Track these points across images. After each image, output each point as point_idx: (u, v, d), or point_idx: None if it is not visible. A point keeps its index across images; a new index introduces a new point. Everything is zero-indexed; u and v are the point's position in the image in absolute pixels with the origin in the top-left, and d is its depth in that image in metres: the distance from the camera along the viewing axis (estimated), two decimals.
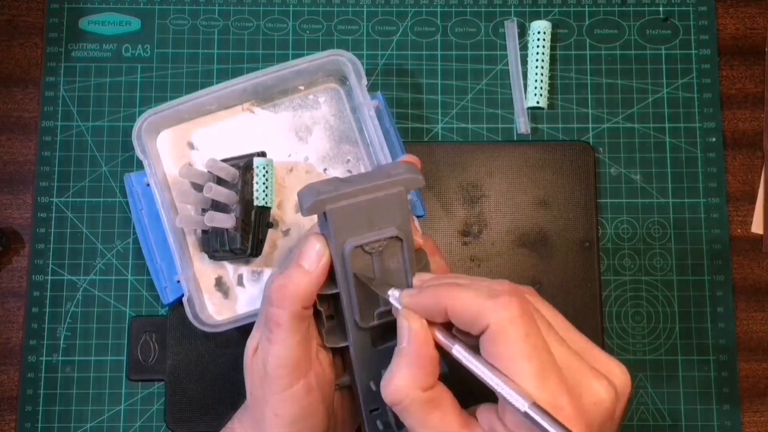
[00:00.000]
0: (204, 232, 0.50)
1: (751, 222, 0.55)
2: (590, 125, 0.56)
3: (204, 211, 0.49)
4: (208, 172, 0.49)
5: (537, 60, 0.56)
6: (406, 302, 0.36)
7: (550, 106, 0.56)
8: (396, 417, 0.40)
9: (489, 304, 0.32)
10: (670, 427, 0.53)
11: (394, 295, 0.36)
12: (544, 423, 0.30)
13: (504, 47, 0.57)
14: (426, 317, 0.35)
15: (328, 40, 0.57)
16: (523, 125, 0.55)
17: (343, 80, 0.53)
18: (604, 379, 0.33)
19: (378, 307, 0.39)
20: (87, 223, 0.54)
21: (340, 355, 0.42)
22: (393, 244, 0.38)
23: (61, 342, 0.53)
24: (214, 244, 0.48)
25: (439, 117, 0.56)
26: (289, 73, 0.50)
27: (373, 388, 0.40)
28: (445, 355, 0.35)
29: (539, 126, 0.56)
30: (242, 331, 0.49)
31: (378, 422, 0.41)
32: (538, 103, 0.55)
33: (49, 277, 0.54)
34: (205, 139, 0.52)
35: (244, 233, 0.48)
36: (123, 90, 0.56)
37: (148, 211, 0.50)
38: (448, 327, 0.35)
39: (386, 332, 0.40)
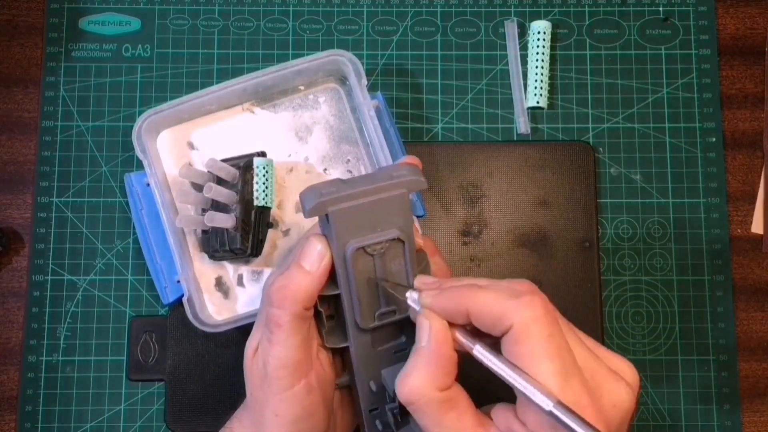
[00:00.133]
0: (204, 232, 0.50)
1: (751, 222, 0.55)
2: (590, 125, 0.56)
3: (204, 211, 0.49)
4: (208, 172, 0.49)
5: (537, 60, 0.56)
6: (427, 303, 0.35)
7: (550, 106, 0.56)
8: (395, 417, 0.40)
9: (512, 304, 0.32)
10: (670, 427, 0.53)
11: (412, 296, 0.36)
12: (570, 422, 0.30)
13: (504, 47, 0.57)
14: (446, 318, 0.35)
15: (328, 40, 0.57)
16: (523, 125, 0.55)
17: (343, 80, 0.53)
18: (622, 380, 0.33)
19: (379, 308, 0.39)
20: (87, 223, 0.54)
21: (340, 354, 0.42)
22: (395, 245, 0.38)
23: (61, 342, 0.53)
24: (214, 244, 0.48)
25: (439, 117, 0.56)
26: (289, 73, 0.50)
27: (373, 388, 0.40)
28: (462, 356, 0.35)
29: (539, 126, 0.56)
30: (242, 331, 0.49)
31: (377, 422, 0.41)
32: (538, 103, 0.55)
33: (49, 277, 0.54)
34: (205, 139, 0.52)
35: (244, 233, 0.48)
36: (123, 90, 0.56)
37: (148, 211, 0.50)
38: (467, 330, 0.35)
39: (386, 333, 0.40)
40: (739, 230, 0.55)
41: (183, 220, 0.48)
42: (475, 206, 0.54)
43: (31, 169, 0.55)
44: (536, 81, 0.55)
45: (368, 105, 0.50)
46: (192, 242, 0.50)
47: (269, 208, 0.49)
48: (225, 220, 0.47)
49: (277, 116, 0.52)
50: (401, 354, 0.40)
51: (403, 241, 0.38)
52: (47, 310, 0.53)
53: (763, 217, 0.55)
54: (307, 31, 0.57)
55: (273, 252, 0.51)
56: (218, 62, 0.56)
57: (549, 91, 0.56)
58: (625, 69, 0.57)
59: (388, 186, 0.37)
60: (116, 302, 0.53)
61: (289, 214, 0.51)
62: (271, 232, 0.51)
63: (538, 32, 0.56)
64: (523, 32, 0.57)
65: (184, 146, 0.52)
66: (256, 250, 0.49)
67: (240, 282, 0.51)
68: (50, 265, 0.54)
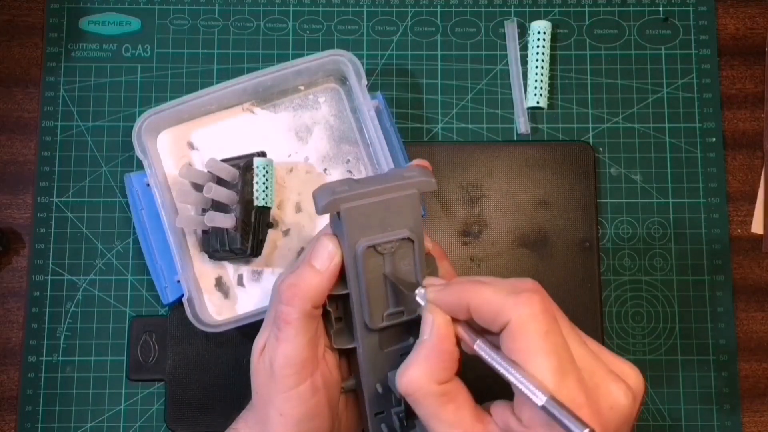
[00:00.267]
0: (204, 232, 0.50)
1: (751, 222, 0.55)
2: (590, 125, 0.56)
3: (204, 211, 0.49)
4: (208, 172, 0.49)
5: (537, 60, 0.56)
6: (431, 297, 0.36)
7: (550, 106, 0.56)
8: (401, 421, 0.40)
9: (510, 300, 0.33)
10: (670, 427, 0.53)
11: (420, 293, 0.37)
12: (562, 417, 0.30)
13: (504, 47, 0.57)
14: (449, 313, 0.35)
15: (328, 40, 0.57)
16: (523, 125, 0.55)
17: (343, 80, 0.53)
18: (622, 383, 0.33)
19: (387, 309, 0.39)
20: (87, 223, 0.54)
21: (346, 358, 0.42)
22: (404, 245, 0.38)
23: (61, 342, 0.53)
24: (214, 244, 0.48)
25: (439, 117, 0.56)
26: (289, 73, 0.51)
27: (380, 390, 0.40)
28: (464, 353, 0.35)
29: (539, 126, 0.56)
30: (242, 331, 0.49)
31: (383, 426, 0.41)
32: (538, 103, 0.55)
33: (49, 277, 0.54)
34: (205, 139, 0.52)
35: (244, 233, 0.48)
36: (123, 90, 0.56)
37: (148, 211, 0.50)
38: (470, 327, 0.35)
39: (394, 335, 0.40)
40: (739, 230, 0.55)
41: (183, 220, 0.48)
42: (475, 206, 0.54)
43: (31, 169, 0.55)
44: (536, 81, 0.55)
45: (368, 105, 0.50)
46: (192, 242, 0.50)
47: (269, 208, 0.49)
48: (225, 220, 0.47)
49: (277, 116, 0.53)
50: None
51: (413, 241, 0.38)
52: (47, 310, 0.53)
53: (763, 217, 0.55)
54: (307, 31, 0.57)
55: (273, 252, 0.51)
56: (218, 62, 0.56)
57: (549, 91, 0.56)
58: (625, 69, 0.57)
59: (399, 186, 0.38)
60: (116, 302, 0.53)
61: (289, 214, 0.51)
62: (271, 232, 0.51)
63: (538, 32, 0.56)
64: (523, 32, 0.57)
65: (184, 146, 0.52)
66: (256, 250, 0.49)
67: (240, 282, 0.51)
68: (50, 265, 0.54)
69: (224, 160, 0.49)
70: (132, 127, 0.49)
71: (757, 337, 0.54)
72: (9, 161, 0.55)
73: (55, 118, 0.55)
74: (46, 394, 0.52)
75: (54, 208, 0.54)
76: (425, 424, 0.35)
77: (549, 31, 0.56)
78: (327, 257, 0.38)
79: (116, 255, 0.54)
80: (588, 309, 0.53)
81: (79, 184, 0.55)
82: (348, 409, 0.43)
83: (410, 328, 0.40)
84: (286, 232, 0.51)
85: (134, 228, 0.52)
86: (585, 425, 0.30)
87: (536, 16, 0.57)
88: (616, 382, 0.33)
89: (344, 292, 0.39)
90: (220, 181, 0.49)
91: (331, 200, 0.37)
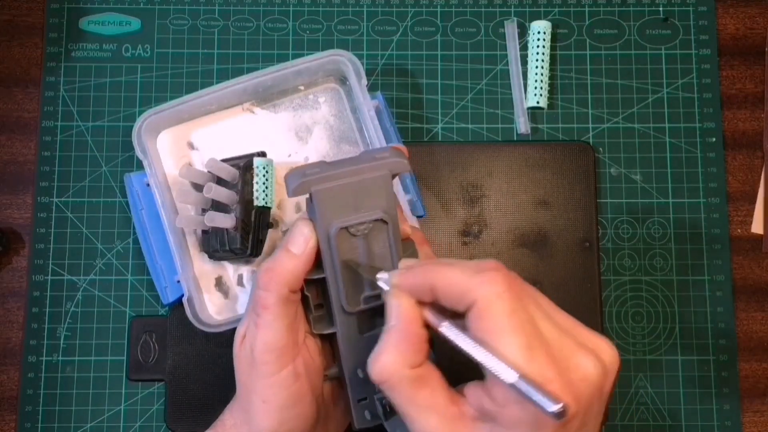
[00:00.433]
0: (204, 232, 0.50)
1: (751, 222, 0.55)
2: (590, 125, 0.56)
3: (204, 211, 0.49)
4: (208, 172, 0.49)
5: (537, 60, 0.56)
6: (395, 281, 0.36)
7: (550, 106, 0.56)
8: (384, 407, 0.40)
9: (475, 280, 0.33)
10: (670, 427, 0.53)
11: (383, 277, 0.37)
12: (532, 394, 0.30)
13: (504, 47, 0.57)
14: (415, 297, 0.35)
15: (328, 40, 0.57)
16: (523, 125, 0.55)
17: (343, 80, 0.53)
18: (591, 354, 0.33)
19: (364, 292, 0.39)
20: (87, 223, 0.54)
21: (330, 345, 0.42)
22: (379, 227, 0.38)
23: (61, 342, 0.53)
24: (214, 244, 0.48)
25: (439, 117, 0.56)
26: (289, 73, 0.51)
27: (360, 375, 0.40)
28: (433, 337, 0.35)
29: (539, 126, 0.56)
30: None
31: (366, 412, 0.41)
32: (538, 103, 0.55)
33: (49, 277, 0.54)
34: (205, 139, 0.52)
35: (244, 233, 0.48)
36: (123, 90, 0.56)
37: (148, 211, 0.50)
38: (436, 309, 0.35)
39: (372, 319, 0.40)
40: (739, 230, 0.55)
41: (183, 220, 0.48)
42: (475, 206, 0.54)
43: (31, 169, 0.55)
44: (536, 81, 0.55)
45: (368, 105, 0.50)
46: (192, 242, 0.50)
47: (269, 208, 0.49)
48: (225, 220, 0.47)
49: (277, 116, 0.53)
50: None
51: (386, 223, 0.38)
52: (47, 310, 0.53)
53: (763, 217, 0.55)
54: (307, 31, 0.57)
55: (272, 252, 0.51)
56: (218, 62, 0.56)
57: (549, 91, 0.56)
58: (625, 69, 0.57)
59: (371, 167, 0.38)
60: (116, 302, 0.53)
61: (289, 214, 0.51)
62: (271, 232, 0.51)
63: (538, 32, 0.56)
64: (523, 32, 0.57)
65: (184, 146, 0.52)
66: (256, 250, 0.49)
67: (240, 282, 0.51)
68: (50, 265, 0.54)
69: (224, 160, 0.49)
70: (132, 127, 0.49)
71: (757, 337, 0.54)
72: (9, 161, 0.55)
73: (55, 118, 0.55)
74: (46, 394, 0.52)
75: (54, 208, 0.54)
76: (401, 410, 0.35)
77: (549, 31, 0.56)
78: (302, 241, 0.38)
79: (116, 255, 0.54)
80: (588, 309, 0.53)
81: (79, 184, 0.55)
82: (335, 399, 0.43)
83: None
84: (286, 232, 0.51)
85: (134, 228, 0.52)
86: (556, 400, 0.30)
87: (536, 16, 0.57)
88: (586, 355, 0.33)
89: (321, 276, 0.39)
90: (220, 181, 0.49)
91: (301, 182, 0.37)
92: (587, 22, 0.57)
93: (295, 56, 0.55)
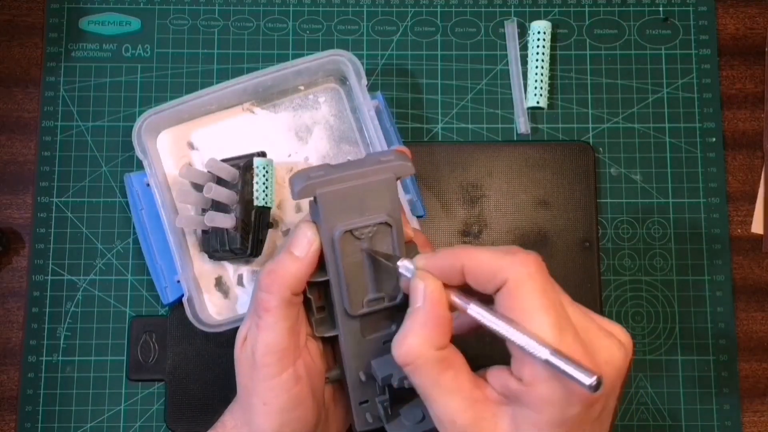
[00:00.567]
0: (204, 232, 0.50)
1: (751, 222, 0.55)
2: (590, 125, 0.56)
3: (204, 211, 0.49)
4: (208, 172, 0.49)
5: (537, 60, 0.56)
6: (421, 264, 0.36)
7: (550, 106, 0.56)
8: (385, 410, 0.40)
9: (507, 260, 0.33)
10: (670, 427, 0.53)
11: (404, 265, 0.36)
12: (566, 368, 0.30)
13: (504, 47, 0.57)
14: (441, 280, 0.35)
15: (328, 40, 0.57)
16: (523, 125, 0.55)
17: (343, 80, 0.53)
18: (614, 338, 0.34)
19: (367, 295, 0.39)
20: (87, 223, 0.54)
21: (331, 348, 0.42)
22: (382, 230, 0.38)
23: (61, 342, 0.53)
24: (214, 244, 0.48)
25: (439, 117, 0.56)
26: (289, 73, 0.51)
27: (362, 378, 0.40)
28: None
29: (539, 126, 0.56)
30: None
31: (367, 415, 0.41)
32: (538, 103, 0.55)
33: (49, 277, 0.54)
34: (205, 139, 0.52)
35: (244, 233, 0.48)
36: (123, 90, 0.56)
37: (148, 211, 0.50)
38: (460, 292, 0.35)
39: (376, 322, 0.40)
40: (739, 230, 0.55)
41: (183, 220, 0.48)
42: (475, 206, 0.54)
43: (31, 169, 0.55)
44: (536, 81, 0.55)
45: (368, 105, 0.50)
46: (192, 242, 0.50)
47: (269, 208, 0.49)
48: (225, 220, 0.47)
49: (277, 116, 0.53)
50: (391, 344, 0.40)
51: (390, 226, 0.38)
52: (47, 310, 0.53)
53: (763, 217, 0.55)
54: (307, 31, 0.57)
55: (273, 252, 0.51)
56: (218, 62, 0.56)
57: (549, 91, 0.56)
58: (625, 69, 0.57)
59: (375, 170, 0.38)
60: (116, 302, 0.53)
61: (289, 214, 0.51)
62: (271, 232, 0.51)
63: (538, 32, 0.56)
64: (523, 32, 0.57)
65: (184, 146, 0.52)
66: (256, 250, 0.49)
67: (240, 282, 0.51)
68: (50, 265, 0.54)
69: (224, 160, 0.49)
70: (132, 127, 0.49)
71: (757, 337, 0.54)
72: (9, 161, 0.55)
73: (55, 118, 0.55)
74: (46, 394, 0.52)
75: (54, 208, 0.54)
76: (423, 393, 0.34)
77: (549, 31, 0.56)
78: (306, 243, 0.38)
79: (116, 255, 0.54)
80: (588, 309, 0.53)
81: (79, 184, 0.55)
82: (336, 401, 0.43)
83: (392, 316, 0.40)
84: (286, 232, 0.51)
85: (134, 228, 0.52)
86: (592, 372, 0.30)
87: (536, 16, 0.57)
88: (609, 338, 0.33)
89: (324, 278, 0.39)
90: (220, 181, 0.49)
91: (305, 185, 0.37)
92: (587, 22, 0.57)
93: (295, 56, 0.55)
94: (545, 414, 0.32)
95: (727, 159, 0.56)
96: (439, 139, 0.56)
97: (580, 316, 0.34)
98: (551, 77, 0.56)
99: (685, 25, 0.57)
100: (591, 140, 0.56)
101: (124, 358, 0.53)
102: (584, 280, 0.53)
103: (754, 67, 0.57)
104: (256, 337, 0.39)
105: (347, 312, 0.39)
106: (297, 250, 0.38)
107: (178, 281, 0.49)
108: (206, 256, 0.50)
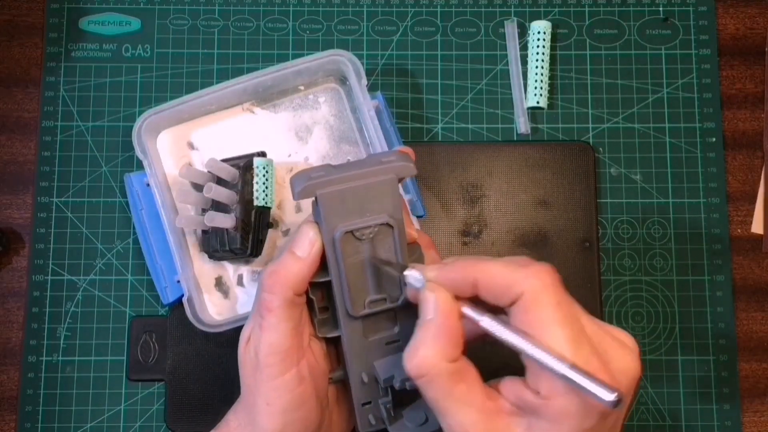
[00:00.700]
0: (204, 232, 0.50)
1: (751, 222, 0.55)
2: (590, 125, 0.56)
3: (204, 211, 0.49)
4: (208, 172, 0.49)
5: (537, 60, 0.56)
6: (432, 275, 0.36)
7: (550, 106, 0.56)
8: (388, 412, 0.40)
9: (521, 273, 0.33)
10: (670, 427, 0.53)
11: (412, 274, 0.36)
12: (586, 384, 0.30)
13: (504, 47, 0.57)
14: (451, 292, 0.35)
15: (328, 40, 0.57)
16: (523, 125, 0.55)
17: (343, 80, 0.53)
18: (627, 347, 0.34)
19: (369, 296, 0.39)
20: (87, 223, 0.54)
21: (335, 348, 0.42)
22: (384, 231, 0.38)
23: (61, 342, 0.53)
24: (214, 244, 0.48)
25: (439, 117, 0.56)
26: (289, 73, 0.51)
27: (365, 379, 0.40)
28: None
29: (539, 126, 0.56)
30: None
31: (370, 416, 0.41)
32: (538, 103, 0.55)
33: (49, 277, 0.54)
34: (205, 139, 0.52)
35: (244, 233, 0.48)
36: (123, 90, 0.56)
37: (148, 211, 0.50)
38: (472, 304, 0.35)
39: (378, 323, 0.40)
40: (739, 230, 0.55)
41: (183, 220, 0.48)
42: (475, 206, 0.54)
43: (31, 169, 0.55)
44: (536, 81, 0.55)
45: (368, 105, 0.50)
46: (192, 242, 0.50)
47: (269, 208, 0.49)
48: (225, 220, 0.47)
49: (277, 116, 0.53)
50: (393, 345, 0.40)
51: (392, 227, 0.38)
52: (47, 310, 0.53)
53: (763, 217, 0.55)
54: (307, 31, 0.57)
55: (273, 252, 0.51)
56: (218, 62, 0.56)
57: (549, 91, 0.56)
58: (625, 69, 0.57)
59: (377, 171, 0.38)
60: (116, 302, 0.53)
61: (289, 214, 0.51)
62: (271, 232, 0.51)
63: (538, 32, 0.56)
64: (523, 32, 0.57)
65: (184, 146, 0.52)
66: (256, 250, 0.49)
67: (240, 282, 0.51)
68: (50, 265, 0.54)
69: (224, 160, 0.49)
70: (132, 127, 0.49)
71: (757, 337, 0.54)
72: (9, 161, 0.55)
73: (55, 118, 0.55)
74: (46, 394, 0.52)
75: (54, 208, 0.54)
76: (436, 405, 0.34)
77: (549, 31, 0.56)
78: (308, 244, 0.38)
79: (116, 255, 0.54)
80: (588, 309, 0.52)
81: (79, 184, 0.55)
82: (339, 402, 0.43)
83: (394, 317, 0.40)
84: (286, 232, 0.51)
85: (134, 228, 0.52)
86: (611, 388, 0.30)
87: (536, 16, 0.57)
88: (623, 348, 0.34)
89: (326, 279, 0.39)
90: (220, 181, 0.49)
91: (306, 185, 0.37)
92: (587, 22, 0.57)
93: (295, 56, 0.55)
94: (563, 426, 0.32)
95: (727, 159, 0.56)
96: (439, 139, 0.56)
97: (594, 327, 0.34)
98: (551, 77, 0.56)
99: (685, 25, 0.57)
100: (591, 140, 0.56)
101: (124, 358, 0.53)
102: (584, 280, 0.53)
103: (754, 67, 0.57)
104: (259, 338, 0.39)
105: (349, 313, 0.39)
106: (299, 250, 0.38)
107: (178, 281, 0.49)
108: (206, 256, 0.50)
